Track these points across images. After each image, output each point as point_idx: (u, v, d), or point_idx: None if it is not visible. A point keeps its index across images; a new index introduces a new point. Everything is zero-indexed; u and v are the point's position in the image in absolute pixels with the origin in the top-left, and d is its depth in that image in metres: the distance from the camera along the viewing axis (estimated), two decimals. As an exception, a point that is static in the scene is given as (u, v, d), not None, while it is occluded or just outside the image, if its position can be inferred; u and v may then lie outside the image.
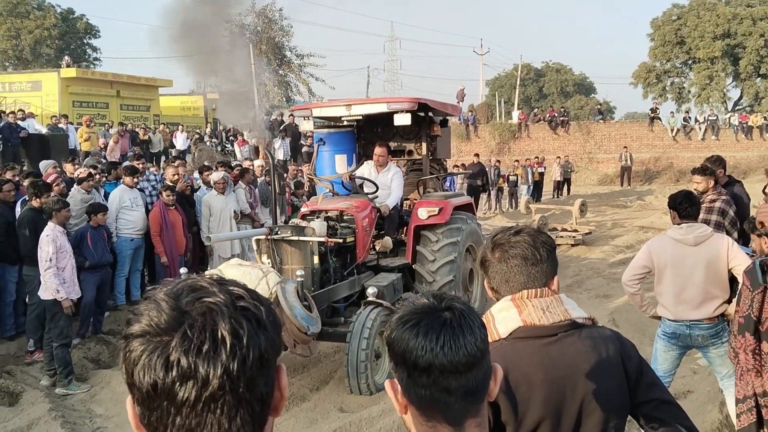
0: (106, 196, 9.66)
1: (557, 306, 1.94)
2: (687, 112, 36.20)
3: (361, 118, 9.01)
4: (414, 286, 8.10)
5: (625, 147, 30.78)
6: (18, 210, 8.15)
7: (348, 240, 7.35)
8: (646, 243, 5.04)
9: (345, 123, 9.47)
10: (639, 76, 47.64)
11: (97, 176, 10.03)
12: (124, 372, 0.98)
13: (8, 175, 8.82)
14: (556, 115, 35.10)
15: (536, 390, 1.88)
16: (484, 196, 21.71)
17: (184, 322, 0.95)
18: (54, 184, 8.62)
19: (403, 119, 7.93)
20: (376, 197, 8.00)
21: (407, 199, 8.94)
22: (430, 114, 9.01)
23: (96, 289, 8.15)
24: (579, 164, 31.83)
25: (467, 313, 1.37)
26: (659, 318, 4.94)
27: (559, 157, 27.34)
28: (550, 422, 1.88)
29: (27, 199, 7.90)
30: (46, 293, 6.83)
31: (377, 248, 8.12)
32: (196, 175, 12.54)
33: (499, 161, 24.25)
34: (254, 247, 7.15)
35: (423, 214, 7.99)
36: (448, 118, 9.76)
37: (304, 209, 8.10)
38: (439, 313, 1.35)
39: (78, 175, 9.55)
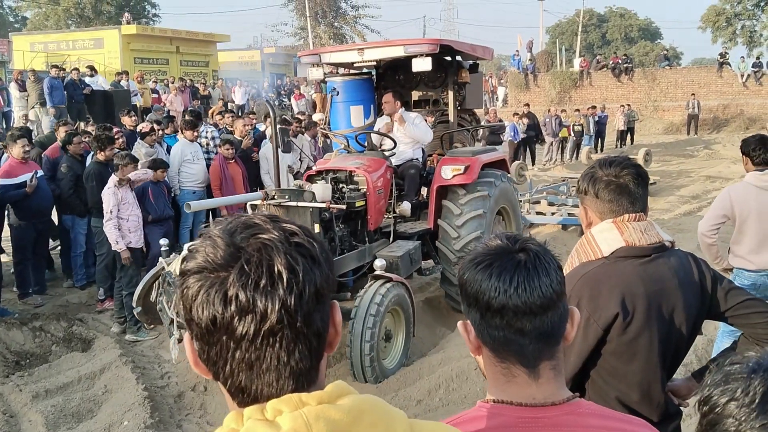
0: (168, 150, 9.84)
1: (652, 229, 2.21)
2: (758, 57, 34.44)
3: (376, 64, 8.03)
4: (434, 255, 7.39)
5: (692, 94, 29.57)
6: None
7: (357, 205, 6.54)
8: (724, 191, 4.76)
9: (363, 70, 8.47)
10: (708, 20, 45.62)
11: (160, 132, 10.21)
12: (182, 308, 0.99)
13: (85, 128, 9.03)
14: (619, 62, 33.78)
15: (639, 301, 2.12)
16: (542, 147, 21.32)
17: (241, 257, 0.95)
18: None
19: (422, 64, 6.86)
20: (393, 154, 7.19)
21: (430, 156, 7.98)
22: (458, 58, 8.01)
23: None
24: (643, 113, 30.80)
25: (542, 254, 1.35)
26: (731, 270, 4.76)
27: (623, 106, 26.52)
28: (649, 331, 2.13)
29: (93, 153, 8.13)
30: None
31: (397, 211, 7.24)
32: (260, 125, 12.64)
33: (564, 110, 23.60)
34: (249, 212, 6.79)
35: (447, 173, 7.13)
36: (479, 62, 8.69)
37: (312, 169, 7.37)
38: (513, 254, 1.34)
39: (141, 129, 9.73)
